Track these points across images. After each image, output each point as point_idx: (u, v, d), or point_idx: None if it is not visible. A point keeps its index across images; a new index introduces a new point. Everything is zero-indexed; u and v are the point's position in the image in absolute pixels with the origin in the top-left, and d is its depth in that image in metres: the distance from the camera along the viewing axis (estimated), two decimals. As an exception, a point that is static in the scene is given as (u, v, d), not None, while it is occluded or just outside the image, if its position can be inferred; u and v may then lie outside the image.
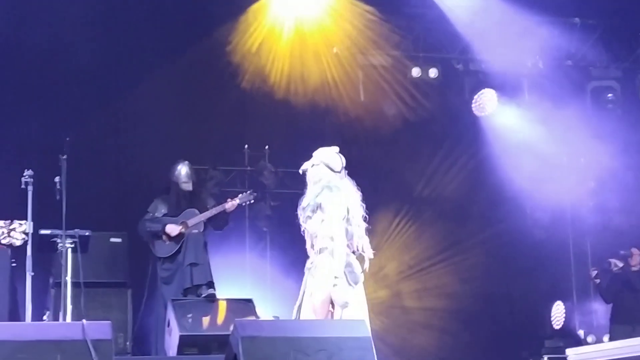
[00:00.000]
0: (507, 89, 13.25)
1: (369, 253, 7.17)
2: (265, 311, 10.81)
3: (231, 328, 7.27)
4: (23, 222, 8.70)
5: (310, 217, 7.06)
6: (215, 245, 10.67)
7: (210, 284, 9.95)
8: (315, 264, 7.10)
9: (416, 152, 13.23)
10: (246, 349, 6.81)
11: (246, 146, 12.99)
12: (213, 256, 10.37)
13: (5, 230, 8.43)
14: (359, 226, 7.09)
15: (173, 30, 12.04)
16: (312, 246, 7.14)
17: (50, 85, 11.86)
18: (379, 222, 13.03)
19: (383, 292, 12.90)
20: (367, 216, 7.26)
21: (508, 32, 12.37)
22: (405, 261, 13.15)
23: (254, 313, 9.61)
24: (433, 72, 13.08)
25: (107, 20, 11.96)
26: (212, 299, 9.81)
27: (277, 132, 12.85)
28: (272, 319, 10.24)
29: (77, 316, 8.64)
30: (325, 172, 7.15)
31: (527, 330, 13.11)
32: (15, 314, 9.59)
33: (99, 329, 6.97)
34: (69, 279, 8.87)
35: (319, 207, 7.02)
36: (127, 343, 10.23)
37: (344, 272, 6.98)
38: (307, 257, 12.64)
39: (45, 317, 9.92)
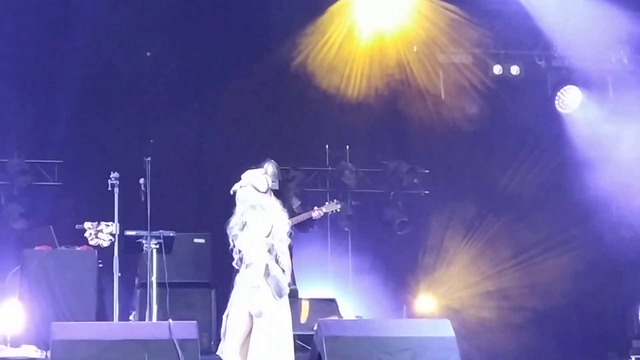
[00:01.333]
0: (590, 85, 13.04)
1: (287, 269, 7.46)
2: (347, 310, 10.81)
3: (314, 327, 7.31)
4: (110, 223, 8.86)
5: (237, 236, 7.42)
6: (298, 246, 10.69)
7: (293, 291, 9.95)
8: (241, 278, 7.31)
9: (498, 151, 13.09)
10: (330, 349, 6.85)
11: (327, 146, 13.01)
12: (296, 256, 10.38)
13: (93, 232, 8.59)
14: (282, 241, 7.38)
15: (254, 33, 12.15)
16: (240, 260, 7.39)
17: (135, 90, 12.10)
18: (461, 220, 12.96)
19: (467, 291, 12.80)
20: (293, 233, 7.73)
21: (591, 27, 12.16)
22: (488, 261, 13.02)
23: (337, 313, 9.62)
24: (515, 70, 12.97)
25: (189, 26, 12.13)
26: (295, 295, 9.83)
27: (357, 132, 12.84)
28: (355, 318, 10.25)
29: (162, 316, 8.73)
30: (252, 193, 7.56)
31: (614, 330, 12.86)
32: (102, 314, 9.77)
33: (185, 328, 7.08)
34: (154, 279, 8.97)
35: (244, 225, 7.38)
36: (212, 343, 10.30)
37: (270, 285, 7.21)
38: (389, 256, 12.72)
39: (131, 317, 10.06)
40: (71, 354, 6.77)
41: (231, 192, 7.71)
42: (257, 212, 7.42)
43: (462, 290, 12.76)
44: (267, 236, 7.35)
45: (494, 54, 13.02)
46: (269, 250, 7.31)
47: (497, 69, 12.94)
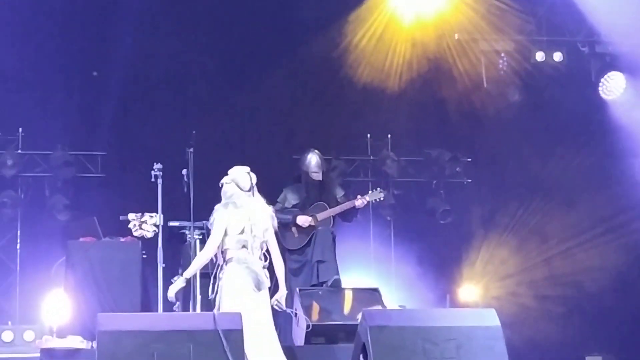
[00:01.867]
0: (635, 70, 12.87)
1: (276, 261, 8.04)
2: (390, 300, 10.78)
3: (358, 317, 7.30)
4: (153, 214, 8.90)
5: (210, 230, 8.01)
6: (340, 235, 10.69)
7: (336, 281, 9.95)
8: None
9: (541, 139, 12.98)
10: (375, 339, 6.83)
11: (368, 135, 12.99)
12: (338, 246, 10.38)
13: (137, 223, 8.63)
14: (257, 237, 7.89)
15: (295, 23, 12.15)
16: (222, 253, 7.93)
17: (178, 82, 12.15)
18: (504, 209, 12.89)
19: (510, 280, 12.73)
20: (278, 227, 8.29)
21: (636, 12, 12.00)
22: (532, 249, 12.93)
23: (381, 302, 9.58)
24: (558, 56, 12.85)
25: (230, 16, 12.15)
26: (338, 285, 9.83)
27: (399, 121, 12.80)
28: (399, 308, 10.21)
29: (206, 306, 8.76)
30: (233, 190, 7.99)
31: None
32: (146, 305, 9.83)
33: (230, 319, 7.09)
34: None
35: (214, 221, 7.93)
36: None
37: (251, 278, 7.77)
38: (431, 245, 12.69)
39: (175, 308, 10.07)
40: (117, 345, 6.80)
41: (220, 185, 8.08)
42: (229, 210, 7.87)
43: (506, 279, 12.69)
44: (241, 233, 7.82)
45: (537, 40, 12.90)
46: (244, 246, 7.82)
47: (539, 56, 12.83)
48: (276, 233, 10.23)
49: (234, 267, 7.81)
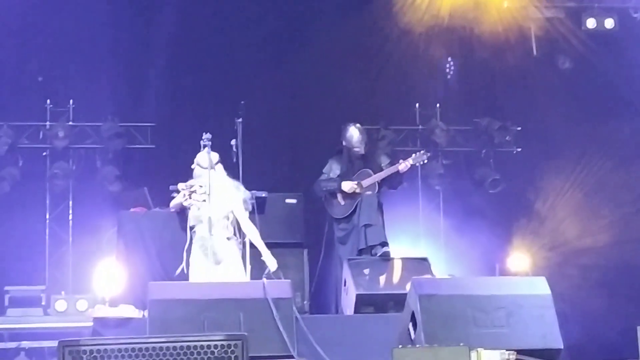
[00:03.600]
0: (688, 36, 12.68)
1: (250, 234, 8.73)
2: (439, 270, 10.76)
3: (407, 287, 7.29)
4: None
5: None
6: (389, 205, 10.68)
7: (384, 244, 9.95)
8: None
9: (592, 107, 12.83)
10: (424, 307, 6.82)
11: (417, 105, 12.93)
12: (387, 215, 10.38)
13: (187, 193, 8.67)
14: (215, 211, 8.50)
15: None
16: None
17: (226, 51, 12.16)
18: (554, 178, 12.76)
19: (560, 249, 12.63)
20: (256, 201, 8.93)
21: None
22: (582, 218, 12.80)
23: (430, 272, 9.57)
24: (609, 23, 12.67)
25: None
26: (387, 257, 9.83)
27: (447, 90, 12.73)
28: (448, 277, 10.19)
29: (255, 276, 8.82)
30: (197, 171, 8.72)
31: None
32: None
33: (280, 287, 7.14)
34: (247, 239, 9.05)
35: None
36: (305, 302, 10.39)
37: (206, 254, 8.43)
38: (480, 215, 12.62)
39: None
40: (168, 313, 6.88)
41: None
42: (195, 188, 8.56)
43: (556, 248, 12.58)
44: (198, 209, 8.51)
45: (587, 7, 12.73)
46: (201, 221, 8.51)
47: (590, 23, 12.66)
48: (321, 202, 10.32)
49: (194, 243, 8.54)
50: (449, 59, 12.83)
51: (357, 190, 10.13)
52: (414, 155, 10.38)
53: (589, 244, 12.75)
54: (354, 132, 10.34)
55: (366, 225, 9.94)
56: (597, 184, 12.81)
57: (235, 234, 8.67)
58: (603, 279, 12.42)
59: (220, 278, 8.28)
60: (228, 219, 8.57)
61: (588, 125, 12.85)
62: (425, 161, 10.47)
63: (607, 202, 12.82)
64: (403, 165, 10.19)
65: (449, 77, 12.92)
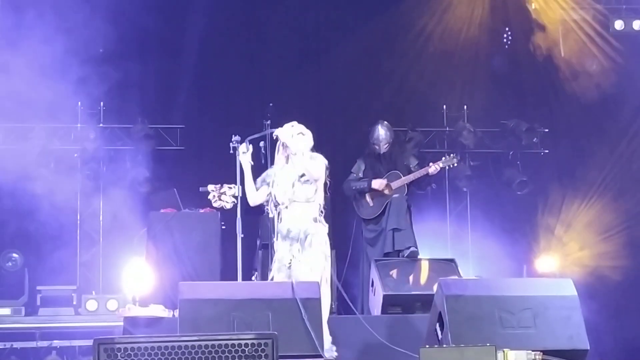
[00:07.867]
0: None
1: None
2: (466, 271, 10.80)
3: (434, 288, 7.33)
4: (232, 186, 9.00)
5: None
6: (416, 207, 10.73)
7: (413, 252, 9.99)
8: None
9: (620, 109, 12.82)
10: (451, 308, 6.86)
11: (444, 107, 12.96)
12: (415, 217, 10.43)
13: (216, 194, 8.74)
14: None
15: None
16: None
17: (255, 54, 12.26)
18: (582, 179, 12.76)
19: (588, 251, 12.62)
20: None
21: None
22: (609, 220, 12.77)
23: (457, 273, 9.61)
24: (637, 24, 12.66)
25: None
26: (414, 256, 9.88)
27: (475, 92, 12.74)
28: (475, 278, 10.22)
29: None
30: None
31: None
32: (226, 274, 10.00)
33: (308, 288, 7.19)
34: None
35: None
36: (333, 302, 10.44)
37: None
38: (508, 216, 12.62)
39: (253, 277, 10.27)
40: (198, 313, 6.95)
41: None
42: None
43: (584, 250, 12.57)
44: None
45: (615, 9, 12.72)
46: None
47: (618, 24, 12.64)
48: (350, 203, 10.37)
49: None
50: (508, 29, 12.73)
51: (386, 192, 10.20)
52: (443, 158, 10.46)
53: (617, 246, 12.74)
54: (380, 131, 10.46)
55: (394, 230, 10.01)
56: (625, 185, 12.79)
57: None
58: (630, 280, 12.41)
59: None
60: None
61: (616, 127, 12.84)
62: (455, 164, 10.55)
63: (635, 205, 12.79)
64: (433, 168, 10.26)
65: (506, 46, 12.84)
